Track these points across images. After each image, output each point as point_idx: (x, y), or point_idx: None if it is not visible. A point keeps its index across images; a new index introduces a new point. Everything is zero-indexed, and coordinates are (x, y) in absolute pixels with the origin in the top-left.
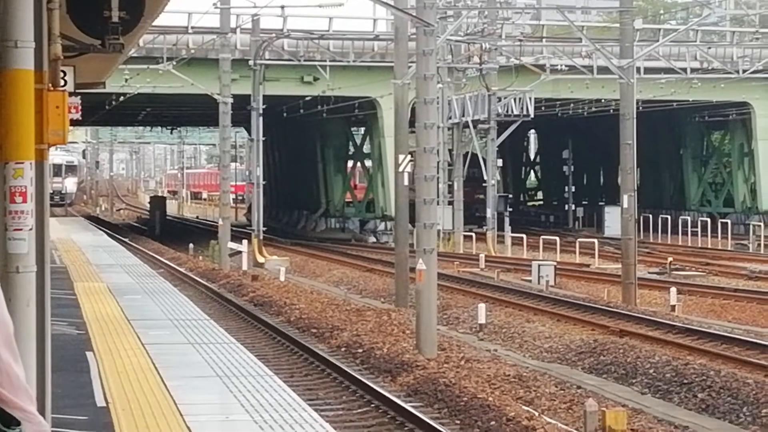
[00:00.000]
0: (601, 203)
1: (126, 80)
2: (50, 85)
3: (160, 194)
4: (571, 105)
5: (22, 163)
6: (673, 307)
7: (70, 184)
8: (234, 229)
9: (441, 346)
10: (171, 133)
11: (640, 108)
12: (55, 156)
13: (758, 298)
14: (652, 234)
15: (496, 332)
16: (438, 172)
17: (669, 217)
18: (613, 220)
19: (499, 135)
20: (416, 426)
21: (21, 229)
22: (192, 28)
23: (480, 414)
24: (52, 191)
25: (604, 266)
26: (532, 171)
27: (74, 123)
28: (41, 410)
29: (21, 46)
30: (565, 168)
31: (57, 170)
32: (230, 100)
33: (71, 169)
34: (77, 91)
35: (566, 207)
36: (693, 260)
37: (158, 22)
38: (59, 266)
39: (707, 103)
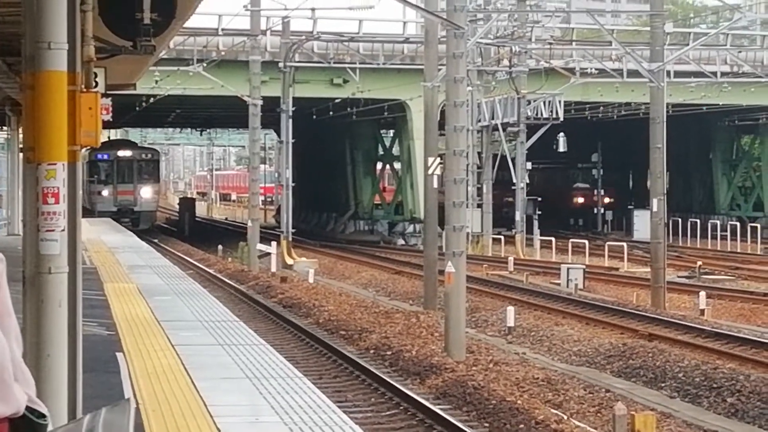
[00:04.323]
0: (630, 207)
1: (156, 82)
2: (83, 86)
3: (189, 196)
4: (601, 108)
5: (55, 164)
6: (702, 311)
7: (147, 193)
8: (263, 230)
9: (470, 349)
10: (200, 134)
11: (670, 112)
12: (121, 148)
13: None
14: (682, 238)
15: (524, 335)
16: (467, 175)
17: (698, 220)
18: (642, 223)
19: (528, 138)
20: (445, 429)
21: (53, 230)
22: (222, 30)
23: (509, 417)
24: (118, 206)
25: (633, 270)
26: None
27: (105, 124)
28: (72, 411)
29: (54, 48)
30: (594, 171)
31: (125, 169)
32: (260, 102)
33: (149, 168)
34: (108, 92)
35: (595, 210)
36: (722, 264)
37: (189, 24)
38: (89, 267)
39: (737, 107)
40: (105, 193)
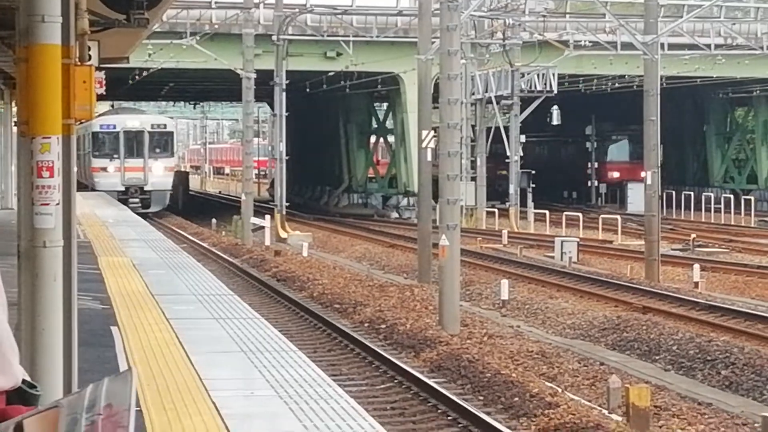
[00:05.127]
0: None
1: (149, 55)
2: (77, 59)
3: (182, 169)
4: (595, 81)
5: (49, 137)
6: (696, 284)
7: (158, 169)
8: (257, 204)
9: (464, 322)
10: (194, 108)
11: (664, 84)
12: (129, 117)
13: None
14: (675, 210)
15: (518, 308)
16: (461, 148)
17: (692, 193)
18: (636, 196)
19: (522, 111)
20: (440, 402)
21: (48, 204)
22: (215, 2)
23: (503, 390)
24: (125, 184)
25: (627, 243)
26: None
27: (98, 98)
28: (68, 384)
29: (48, 21)
30: (587, 144)
31: (133, 141)
32: (253, 76)
33: (162, 141)
34: (101, 65)
35: (589, 183)
36: (716, 237)
37: None
38: (83, 241)
39: (731, 80)
40: (110, 169)
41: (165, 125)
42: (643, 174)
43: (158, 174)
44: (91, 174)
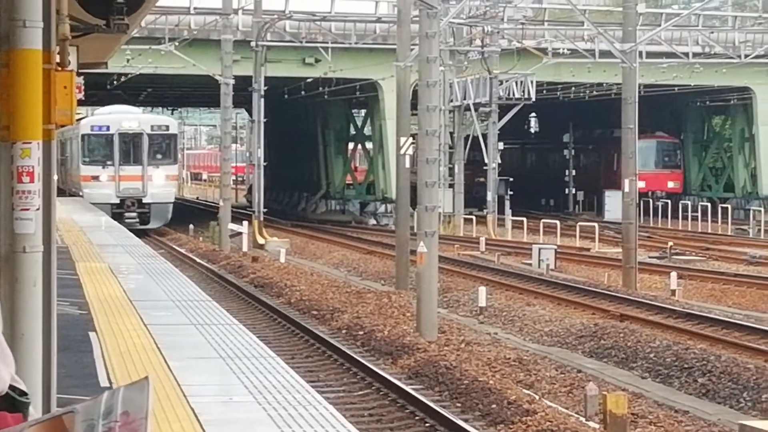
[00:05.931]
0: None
1: (128, 60)
2: (58, 65)
3: None
4: (573, 89)
5: (30, 143)
6: (673, 292)
7: (159, 178)
8: (234, 210)
9: (441, 329)
10: (172, 113)
11: (642, 92)
12: (125, 117)
13: (758, 283)
14: (653, 218)
15: (496, 315)
16: (439, 155)
17: (669, 201)
18: (613, 204)
19: (500, 118)
20: (417, 409)
21: (28, 209)
22: (194, 8)
23: (481, 397)
24: (121, 195)
25: (604, 250)
26: None
27: (77, 103)
28: (47, 390)
29: (29, 26)
30: (565, 152)
31: (130, 145)
32: (232, 82)
33: (163, 145)
34: (80, 71)
35: (566, 191)
36: (693, 245)
37: (161, 3)
38: (61, 246)
39: (708, 88)
40: (103, 178)
41: (167, 126)
42: (672, 184)
43: (159, 184)
44: (80, 184)
